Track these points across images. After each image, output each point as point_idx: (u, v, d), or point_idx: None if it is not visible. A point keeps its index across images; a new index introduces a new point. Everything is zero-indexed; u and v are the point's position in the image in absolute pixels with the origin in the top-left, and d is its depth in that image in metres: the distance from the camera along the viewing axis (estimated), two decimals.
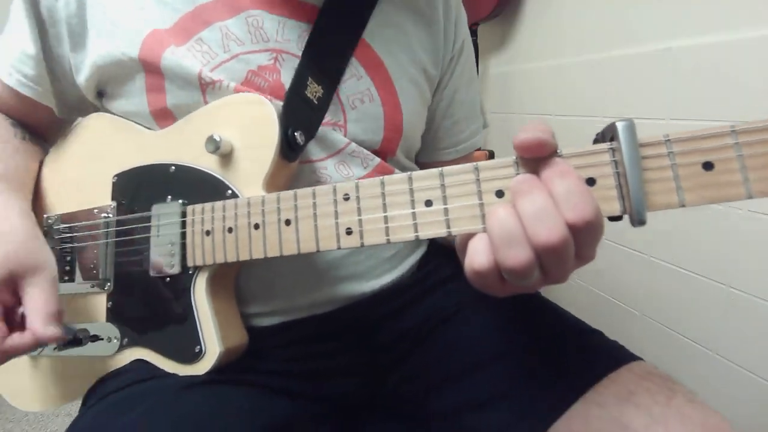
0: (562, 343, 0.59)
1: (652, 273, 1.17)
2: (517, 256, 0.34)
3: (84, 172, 0.63)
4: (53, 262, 0.52)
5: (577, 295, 1.43)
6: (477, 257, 0.37)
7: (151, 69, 0.55)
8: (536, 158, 0.37)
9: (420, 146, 0.73)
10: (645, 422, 0.46)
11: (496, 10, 1.55)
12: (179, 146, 0.56)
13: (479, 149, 1.70)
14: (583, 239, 0.34)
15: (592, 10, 1.28)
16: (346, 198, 0.43)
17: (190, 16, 0.55)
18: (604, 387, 0.51)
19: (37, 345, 0.48)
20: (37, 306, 0.49)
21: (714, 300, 1.02)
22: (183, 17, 0.55)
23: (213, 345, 0.51)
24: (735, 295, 0.98)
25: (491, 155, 1.63)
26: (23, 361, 0.65)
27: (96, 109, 0.64)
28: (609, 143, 0.36)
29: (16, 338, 0.48)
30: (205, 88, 0.54)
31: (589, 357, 0.56)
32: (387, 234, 0.41)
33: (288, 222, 0.46)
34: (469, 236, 0.39)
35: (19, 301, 0.50)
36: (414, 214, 0.40)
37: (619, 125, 0.35)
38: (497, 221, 0.35)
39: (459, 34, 0.69)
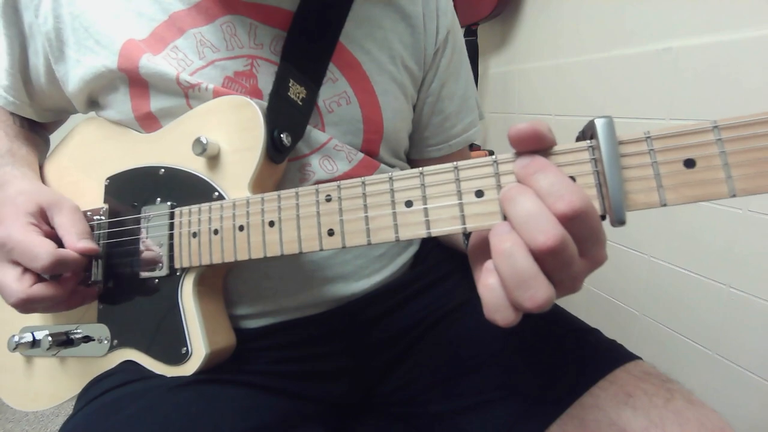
0: (560, 342, 0.58)
1: (652, 273, 1.16)
2: (535, 296, 0.32)
3: (79, 176, 0.64)
4: (68, 198, 0.59)
5: (576, 294, 1.42)
6: (497, 312, 0.35)
7: (133, 77, 0.55)
8: (521, 155, 0.36)
9: (408, 145, 0.71)
10: (643, 425, 0.46)
11: (496, 10, 1.55)
12: (169, 149, 0.56)
13: (479, 148, 1.70)
14: (580, 233, 0.33)
15: (592, 10, 1.27)
16: (328, 199, 0.43)
17: (164, 25, 0.56)
18: (602, 389, 0.51)
19: (78, 260, 0.54)
20: (66, 227, 0.55)
21: (714, 300, 1.02)
22: (158, 27, 0.56)
23: (199, 347, 0.51)
24: (735, 295, 0.97)
25: (491, 155, 1.63)
26: (18, 361, 0.65)
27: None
28: (588, 141, 0.36)
29: (63, 251, 0.53)
30: (187, 91, 0.55)
31: (586, 357, 0.56)
32: (368, 235, 0.41)
33: (272, 223, 0.45)
34: (483, 245, 0.38)
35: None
36: (394, 215, 0.40)
37: (598, 122, 0.34)
38: (505, 260, 0.33)
39: (442, 25, 0.66)
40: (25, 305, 0.52)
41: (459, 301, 0.67)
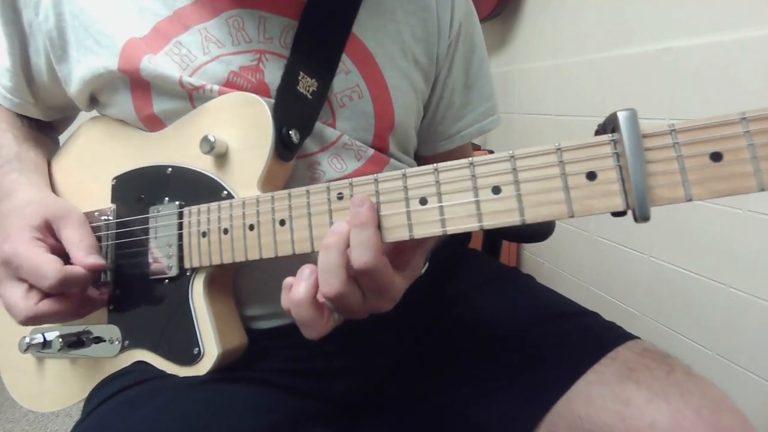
0: (560, 325, 0.59)
1: (652, 273, 1.17)
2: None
3: (85, 176, 0.63)
4: (76, 208, 0.58)
5: (576, 294, 1.43)
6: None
7: (135, 78, 0.54)
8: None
9: (418, 142, 0.70)
10: (646, 397, 0.46)
11: (496, 10, 1.55)
12: (176, 148, 0.55)
13: (479, 149, 1.70)
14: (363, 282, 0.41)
15: (592, 10, 1.27)
16: (340, 197, 0.42)
17: (168, 20, 0.54)
18: (605, 366, 0.51)
19: (86, 277, 0.52)
20: (74, 241, 0.54)
21: (714, 300, 1.02)
22: (160, 22, 0.54)
23: (211, 347, 0.50)
24: (735, 295, 0.98)
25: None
26: (30, 362, 0.65)
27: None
28: (610, 135, 0.34)
29: (70, 269, 0.51)
30: (191, 93, 0.53)
31: (587, 338, 0.56)
32: (381, 234, 0.40)
33: (282, 222, 0.45)
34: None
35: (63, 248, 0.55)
36: (409, 213, 0.39)
37: (621, 115, 0.33)
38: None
39: (455, 18, 0.64)
40: (33, 322, 0.52)
41: (462, 292, 0.67)
